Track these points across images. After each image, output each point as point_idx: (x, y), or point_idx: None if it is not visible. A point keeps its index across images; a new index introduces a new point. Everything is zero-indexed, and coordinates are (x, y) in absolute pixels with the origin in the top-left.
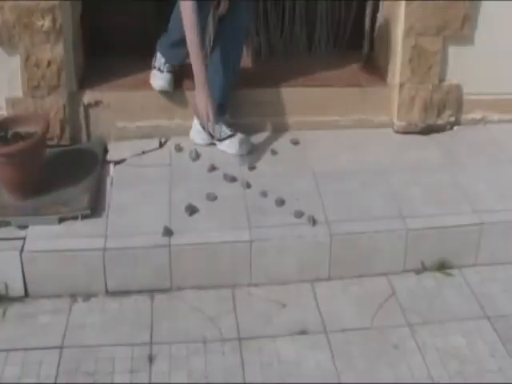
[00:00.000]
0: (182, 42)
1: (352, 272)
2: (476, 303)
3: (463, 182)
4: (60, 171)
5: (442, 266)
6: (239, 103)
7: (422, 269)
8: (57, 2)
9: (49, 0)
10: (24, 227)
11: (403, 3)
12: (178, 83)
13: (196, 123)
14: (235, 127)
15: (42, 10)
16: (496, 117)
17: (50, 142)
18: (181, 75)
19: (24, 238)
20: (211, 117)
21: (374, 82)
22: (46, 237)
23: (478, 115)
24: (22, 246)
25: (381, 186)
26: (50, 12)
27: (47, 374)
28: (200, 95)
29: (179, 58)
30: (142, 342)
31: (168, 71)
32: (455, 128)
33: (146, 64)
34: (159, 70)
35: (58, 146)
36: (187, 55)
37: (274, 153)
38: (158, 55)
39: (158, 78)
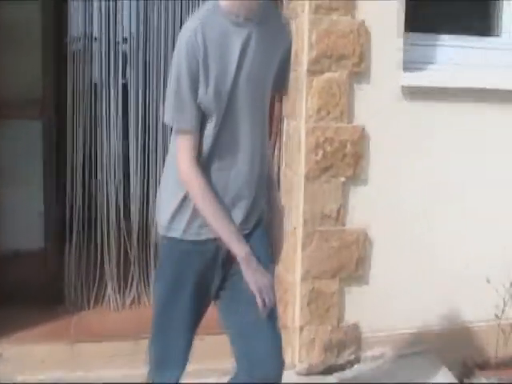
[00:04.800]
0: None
1: None
2: None
3: None
4: None
5: None
6: None
7: None
8: None
9: None
10: None
11: (299, 249)
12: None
13: None
14: None
15: None
16: (394, 352)
17: None
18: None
19: None
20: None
21: None
22: None
23: (376, 352)
24: None
25: None
26: None
27: None
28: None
29: None
30: None
31: None
32: (355, 366)
33: (47, 315)
34: None
35: None
36: None
37: None
38: None
39: None
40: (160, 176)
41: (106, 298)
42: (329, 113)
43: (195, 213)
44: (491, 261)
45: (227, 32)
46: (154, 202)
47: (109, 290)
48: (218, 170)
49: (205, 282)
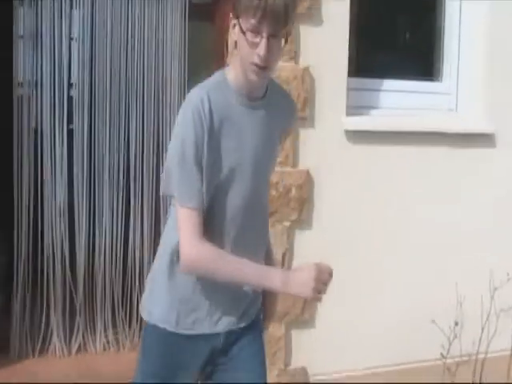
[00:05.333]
0: None
1: None
2: None
3: None
4: None
5: None
6: None
7: None
8: None
9: None
10: None
11: None
12: None
13: None
14: None
15: None
16: None
17: None
18: None
19: None
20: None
21: None
22: None
23: None
24: None
25: None
26: None
27: None
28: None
29: None
30: None
31: None
32: None
33: None
34: None
35: None
36: None
37: None
38: None
39: None
40: (107, 224)
41: (52, 347)
42: None
43: (190, 303)
44: (436, 301)
45: (233, 108)
46: (101, 250)
47: (54, 339)
48: None
49: (195, 370)
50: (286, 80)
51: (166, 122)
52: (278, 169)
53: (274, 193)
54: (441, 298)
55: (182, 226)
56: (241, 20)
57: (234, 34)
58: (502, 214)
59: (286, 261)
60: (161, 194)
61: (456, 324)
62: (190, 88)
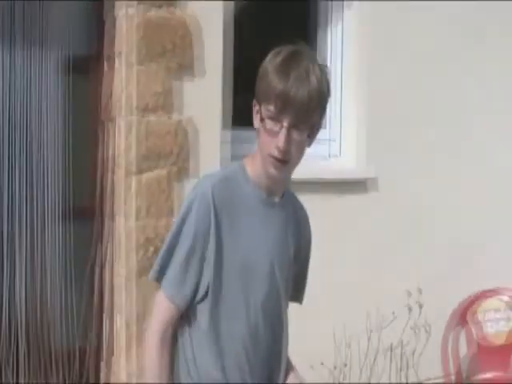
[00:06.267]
0: None
1: None
2: None
3: None
4: None
5: None
6: None
7: None
8: None
9: None
10: None
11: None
12: None
13: None
14: None
15: None
16: None
17: None
18: None
19: None
20: None
21: None
22: None
23: None
24: None
25: None
26: None
27: None
28: None
29: None
30: None
31: None
32: None
33: None
34: None
35: None
36: None
37: None
38: None
39: None
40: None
41: None
42: (148, 212)
43: None
44: (316, 345)
45: (248, 202)
46: None
47: None
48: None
49: None
50: (159, 134)
51: (46, 178)
52: (152, 222)
53: (158, 244)
54: (320, 343)
55: (157, 312)
56: (261, 106)
57: (255, 121)
58: (376, 260)
59: None
60: (150, 278)
61: (334, 368)
62: (68, 144)
